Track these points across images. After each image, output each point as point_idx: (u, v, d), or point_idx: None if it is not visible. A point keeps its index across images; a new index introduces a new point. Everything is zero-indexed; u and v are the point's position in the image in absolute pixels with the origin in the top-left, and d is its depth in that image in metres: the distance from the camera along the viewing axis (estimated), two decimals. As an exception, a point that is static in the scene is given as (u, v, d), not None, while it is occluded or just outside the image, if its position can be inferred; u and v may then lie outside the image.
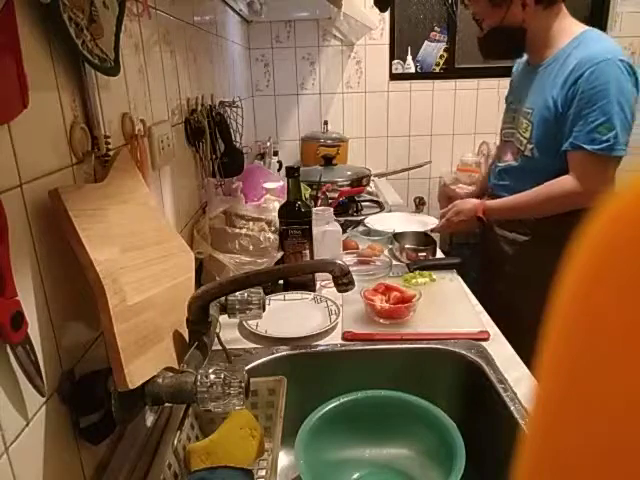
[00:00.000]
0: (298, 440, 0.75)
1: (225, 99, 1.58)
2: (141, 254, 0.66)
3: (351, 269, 0.79)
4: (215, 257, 1.09)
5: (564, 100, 1.24)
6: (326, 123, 2.52)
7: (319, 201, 1.67)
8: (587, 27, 1.31)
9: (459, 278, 1.24)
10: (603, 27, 2.65)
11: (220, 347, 0.83)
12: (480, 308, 1.09)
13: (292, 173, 1.13)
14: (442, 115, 2.76)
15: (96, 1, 0.63)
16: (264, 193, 1.35)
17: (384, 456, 0.86)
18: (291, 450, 0.77)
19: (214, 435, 0.70)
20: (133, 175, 0.72)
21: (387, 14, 2.56)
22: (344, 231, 1.40)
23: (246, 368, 0.82)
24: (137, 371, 0.56)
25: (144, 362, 0.58)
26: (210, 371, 0.58)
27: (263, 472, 0.77)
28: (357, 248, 1.39)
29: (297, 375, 0.88)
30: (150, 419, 0.77)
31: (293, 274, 1.09)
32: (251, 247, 1.15)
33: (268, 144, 2.21)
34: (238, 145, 1.47)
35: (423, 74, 2.72)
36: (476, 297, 1.14)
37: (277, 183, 1.41)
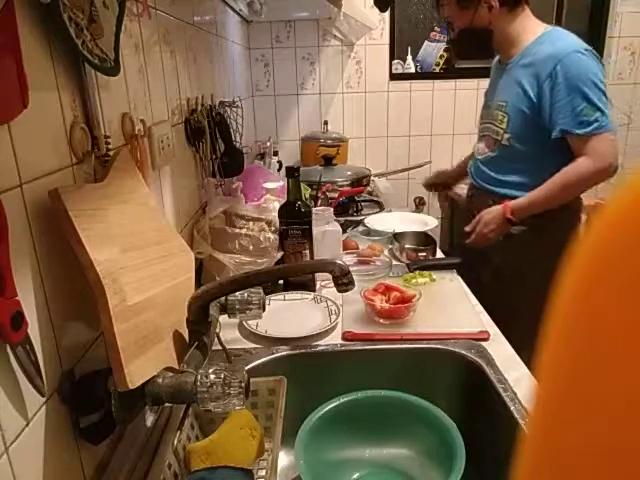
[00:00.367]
0: (298, 440, 0.75)
1: (225, 99, 1.58)
2: (141, 254, 0.66)
3: (351, 269, 0.79)
4: (215, 257, 1.09)
5: (538, 91, 1.34)
6: (326, 123, 2.52)
7: (319, 201, 1.67)
8: (550, 26, 1.43)
9: (459, 278, 1.24)
10: (603, 27, 2.65)
11: (220, 347, 0.83)
12: (480, 308, 1.09)
13: (292, 173, 1.13)
14: (442, 115, 2.76)
15: (96, 1, 0.63)
16: (264, 193, 1.35)
17: (384, 456, 0.85)
18: (291, 450, 0.77)
19: (214, 435, 0.70)
20: (133, 175, 0.72)
21: (387, 14, 2.56)
22: (344, 231, 1.40)
23: (246, 368, 0.82)
24: (137, 371, 0.56)
25: (144, 362, 0.58)
26: (210, 371, 0.58)
27: (263, 472, 0.77)
28: (357, 248, 1.39)
29: (297, 375, 0.88)
30: (150, 419, 0.77)
31: (293, 274, 1.09)
32: (251, 247, 1.15)
33: (268, 144, 2.21)
34: (238, 145, 1.47)
35: (423, 74, 2.72)
36: (476, 297, 1.14)
37: (277, 183, 1.41)
